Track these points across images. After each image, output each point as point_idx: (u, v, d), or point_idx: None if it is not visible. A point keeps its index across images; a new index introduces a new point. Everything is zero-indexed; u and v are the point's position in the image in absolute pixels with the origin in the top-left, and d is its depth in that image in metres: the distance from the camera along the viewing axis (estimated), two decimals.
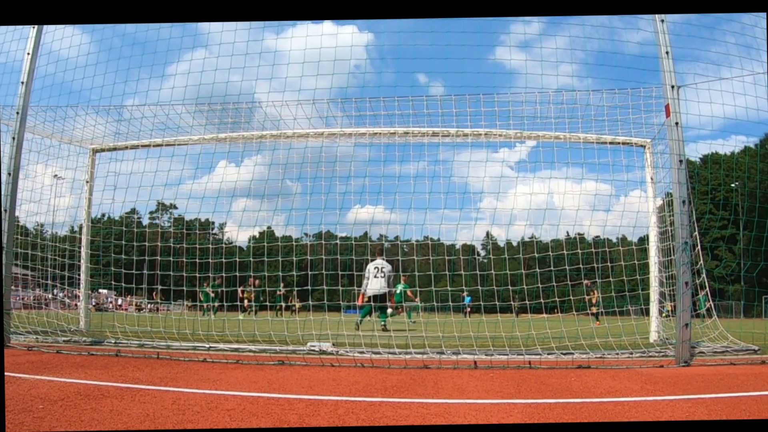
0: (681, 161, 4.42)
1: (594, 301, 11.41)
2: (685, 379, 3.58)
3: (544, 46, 5.65)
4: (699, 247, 5.24)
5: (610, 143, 6.01)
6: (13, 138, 5.18)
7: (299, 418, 2.35)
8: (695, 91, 4.79)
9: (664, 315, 6.16)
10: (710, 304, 5.54)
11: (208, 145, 6.40)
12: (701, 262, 5.38)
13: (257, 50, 5.53)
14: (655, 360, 4.48)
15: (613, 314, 5.83)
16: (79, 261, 6.97)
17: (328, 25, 5.26)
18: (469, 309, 13.99)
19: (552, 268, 5.79)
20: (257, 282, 11.76)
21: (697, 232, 5.03)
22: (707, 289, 5.42)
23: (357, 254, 6.70)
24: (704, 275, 5.39)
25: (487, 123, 5.71)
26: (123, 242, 6.25)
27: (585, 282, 10.77)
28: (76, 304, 7.68)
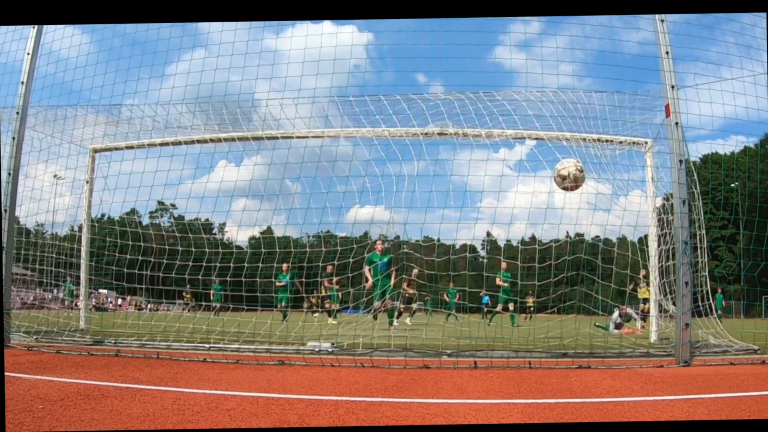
0: (681, 161, 4.42)
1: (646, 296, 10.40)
2: (685, 379, 3.58)
3: (544, 46, 5.65)
4: (702, 246, 5.22)
5: (610, 143, 6.00)
6: (13, 138, 5.18)
7: (299, 418, 2.35)
8: (695, 91, 4.80)
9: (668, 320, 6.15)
10: (708, 304, 5.54)
11: (208, 144, 6.39)
12: (703, 259, 5.37)
13: (257, 50, 5.54)
14: (655, 360, 4.48)
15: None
16: (79, 261, 6.96)
17: (327, 25, 5.26)
18: (487, 310, 13.67)
19: (553, 266, 5.78)
20: (329, 268, 9.80)
21: (703, 231, 5.00)
22: (708, 288, 5.41)
23: (357, 254, 6.68)
24: (706, 274, 5.38)
25: (487, 123, 5.70)
26: (124, 242, 6.25)
27: (637, 279, 10.13)
28: (76, 304, 7.68)
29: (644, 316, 10.29)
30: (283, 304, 10.92)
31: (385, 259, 8.03)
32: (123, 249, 6.22)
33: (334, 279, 11.05)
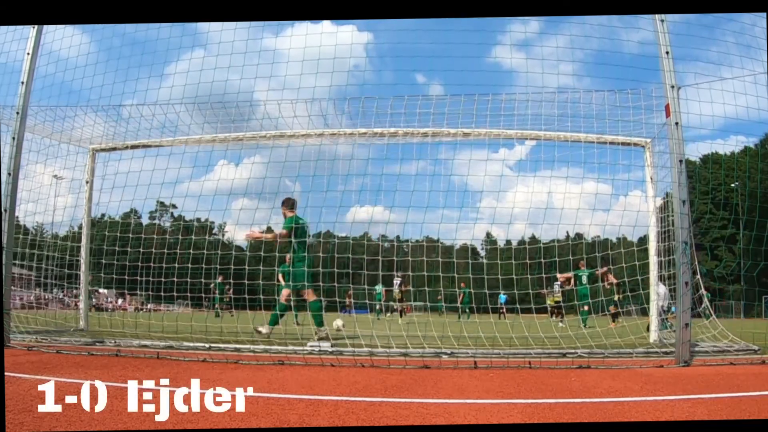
0: (681, 161, 4.42)
1: (616, 298, 10.02)
2: (685, 379, 3.58)
3: (544, 45, 5.65)
4: (693, 247, 5.22)
5: (610, 143, 6.00)
6: (13, 138, 5.18)
7: (299, 418, 2.35)
8: (695, 91, 4.80)
9: (669, 327, 6.14)
10: (705, 304, 5.53)
11: (207, 144, 6.40)
12: (695, 262, 5.37)
13: (256, 49, 5.54)
14: (655, 360, 4.48)
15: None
16: (79, 260, 6.96)
17: (327, 25, 5.26)
18: (504, 309, 13.56)
19: (554, 268, 5.78)
20: (398, 273, 9.26)
21: (691, 233, 5.01)
22: (702, 289, 5.40)
23: (356, 253, 6.69)
24: (698, 277, 5.36)
25: (487, 123, 5.71)
26: (126, 242, 6.25)
27: (610, 280, 9.97)
28: (76, 304, 7.67)
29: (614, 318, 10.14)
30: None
31: (290, 224, 5.99)
32: (122, 249, 6.22)
33: (404, 285, 11.12)
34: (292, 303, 6.12)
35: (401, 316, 12.69)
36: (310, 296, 5.82)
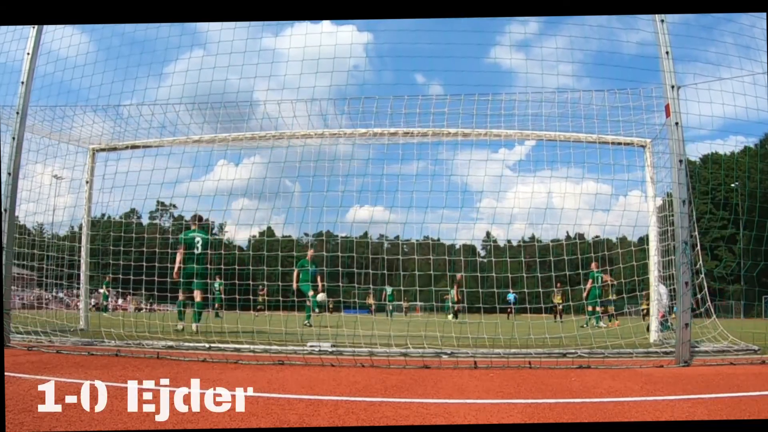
0: (681, 161, 4.42)
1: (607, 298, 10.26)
2: (685, 379, 3.58)
3: (544, 46, 5.65)
4: (698, 246, 5.22)
5: (611, 143, 6.00)
6: (13, 138, 5.18)
7: (299, 418, 2.35)
8: (695, 91, 4.80)
9: (670, 327, 6.15)
10: (708, 304, 5.53)
11: (207, 144, 6.39)
12: (700, 261, 5.37)
13: (256, 49, 5.53)
14: (655, 360, 4.48)
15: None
16: (79, 260, 6.96)
17: (327, 25, 5.26)
18: (512, 309, 13.52)
19: (552, 268, 5.78)
20: (458, 276, 8.88)
21: (696, 232, 5.01)
22: (705, 289, 5.40)
23: (357, 253, 6.69)
24: (703, 275, 5.37)
25: (486, 123, 5.71)
26: (123, 242, 6.25)
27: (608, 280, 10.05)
28: (76, 304, 7.66)
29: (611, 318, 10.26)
30: (312, 297, 9.09)
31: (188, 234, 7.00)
32: (123, 249, 6.21)
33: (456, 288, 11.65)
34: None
35: (456, 316, 12.78)
36: (197, 297, 6.79)
